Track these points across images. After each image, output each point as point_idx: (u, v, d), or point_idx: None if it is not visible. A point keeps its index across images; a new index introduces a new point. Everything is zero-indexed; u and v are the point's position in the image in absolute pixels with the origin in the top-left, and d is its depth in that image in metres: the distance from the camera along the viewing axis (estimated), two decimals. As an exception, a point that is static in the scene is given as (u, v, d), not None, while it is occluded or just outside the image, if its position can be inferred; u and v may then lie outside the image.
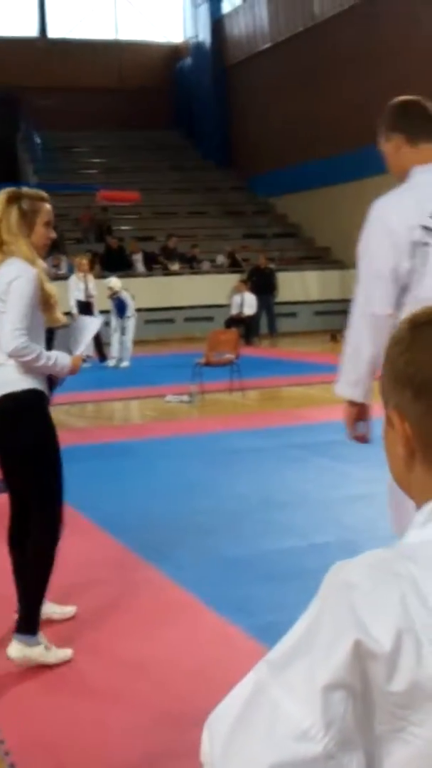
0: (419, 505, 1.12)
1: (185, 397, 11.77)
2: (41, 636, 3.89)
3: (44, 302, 3.87)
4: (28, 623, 3.87)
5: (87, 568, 5.15)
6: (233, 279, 22.89)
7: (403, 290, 3.18)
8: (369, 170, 24.10)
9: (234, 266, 24.13)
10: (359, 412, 3.42)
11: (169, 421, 10.52)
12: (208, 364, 12.06)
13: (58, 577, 4.86)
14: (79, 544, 5.65)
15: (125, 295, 16.40)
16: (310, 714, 0.97)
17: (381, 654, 0.96)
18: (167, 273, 23.76)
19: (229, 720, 1.01)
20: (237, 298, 21.44)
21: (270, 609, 4.29)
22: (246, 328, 20.29)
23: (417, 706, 0.98)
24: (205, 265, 24.53)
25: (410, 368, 1.09)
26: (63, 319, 4.05)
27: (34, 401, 3.86)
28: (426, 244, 3.14)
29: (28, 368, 3.81)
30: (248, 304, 21.25)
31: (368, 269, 3.23)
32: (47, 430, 3.88)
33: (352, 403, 3.40)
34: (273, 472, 7.48)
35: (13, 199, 3.92)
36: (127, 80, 32.37)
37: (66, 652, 3.90)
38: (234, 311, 21.39)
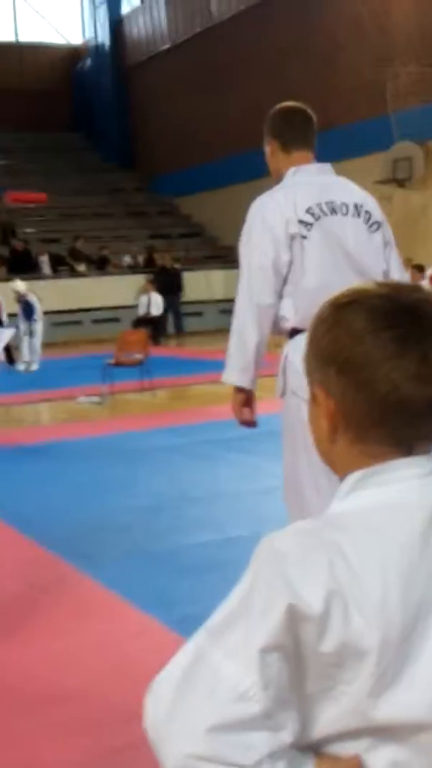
0: (342, 477, 1.18)
1: (96, 398, 11.80)
2: None
3: None
4: None
5: (1, 570, 5.18)
6: (139, 280, 22.94)
7: (283, 281, 3.40)
8: (268, 169, 24.40)
9: (149, 266, 24.06)
10: (246, 399, 3.62)
11: (81, 423, 10.55)
12: (117, 364, 12.12)
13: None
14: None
15: (32, 298, 16.33)
16: (247, 676, 1.04)
17: (312, 616, 1.04)
18: (74, 275, 23.68)
19: (171, 685, 1.08)
20: (144, 299, 21.50)
21: (189, 601, 4.39)
22: (153, 328, 20.37)
23: (346, 665, 1.06)
24: (121, 265, 24.49)
25: (333, 347, 1.14)
26: None
27: None
28: (303, 237, 3.38)
29: None
30: (155, 304, 21.33)
31: (250, 262, 3.45)
32: None
33: (239, 390, 3.59)
34: (186, 468, 7.59)
35: None
36: (27, 82, 32.14)
37: None
38: (141, 312, 21.44)
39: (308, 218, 3.42)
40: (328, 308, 1.18)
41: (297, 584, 1.05)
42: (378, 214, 3.58)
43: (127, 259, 24.85)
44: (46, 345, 17.77)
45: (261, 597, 1.07)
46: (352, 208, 3.49)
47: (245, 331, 3.47)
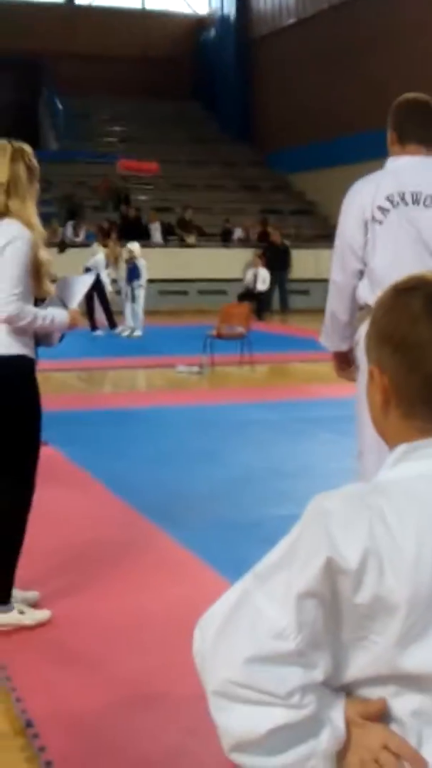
0: (392, 447, 1.29)
1: (195, 369, 11.95)
2: (15, 600, 3.86)
3: (35, 270, 3.67)
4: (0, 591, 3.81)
5: (93, 526, 5.35)
6: (248, 254, 23.00)
7: (361, 263, 3.65)
8: (385, 151, 24.11)
9: (262, 240, 24.03)
10: (342, 359, 3.95)
11: (179, 391, 10.72)
12: (219, 336, 12.23)
13: (64, 534, 5.09)
14: (84, 501, 5.88)
15: (141, 263, 16.54)
16: (285, 617, 1.17)
17: (348, 570, 1.15)
18: (184, 245, 23.87)
19: (218, 619, 1.22)
20: (251, 273, 21.56)
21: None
22: (258, 303, 20.42)
23: (378, 617, 1.17)
24: (236, 237, 24.58)
25: (390, 327, 1.25)
26: (51, 290, 3.83)
27: (23, 368, 3.72)
28: (379, 221, 3.61)
29: (21, 331, 3.67)
30: (262, 279, 21.37)
31: (339, 242, 3.74)
32: (32, 398, 3.75)
33: (335, 353, 3.98)
34: (278, 443, 7.67)
35: (19, 155, 3.70)
36: (150, 50, 32.34)
37: (44, 614, 3.87)
38: (248, 286, 21.52)
39: (387, 204, 3.61)
40: (389, 292, 1.28)
41: (338, 540, 1.17)
42: None
43: (239, 232, 24.93)
44: (152, 313, 18.03)
45: (304, 548, 1.19)
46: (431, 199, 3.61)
47: (329, 304, 3.84)
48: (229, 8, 32.15)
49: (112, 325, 16.79)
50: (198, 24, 34.35)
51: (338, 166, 26.01)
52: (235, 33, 31.74)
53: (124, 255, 16.68)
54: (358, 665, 1.20)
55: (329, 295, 3.83)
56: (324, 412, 9.10)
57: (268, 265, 21.75)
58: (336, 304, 3.78)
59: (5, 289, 3.59)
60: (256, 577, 1.22)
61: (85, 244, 19.94)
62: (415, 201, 3.61)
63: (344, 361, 3.95)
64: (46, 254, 3.74)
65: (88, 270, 16.37)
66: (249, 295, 20.94)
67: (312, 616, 1.17)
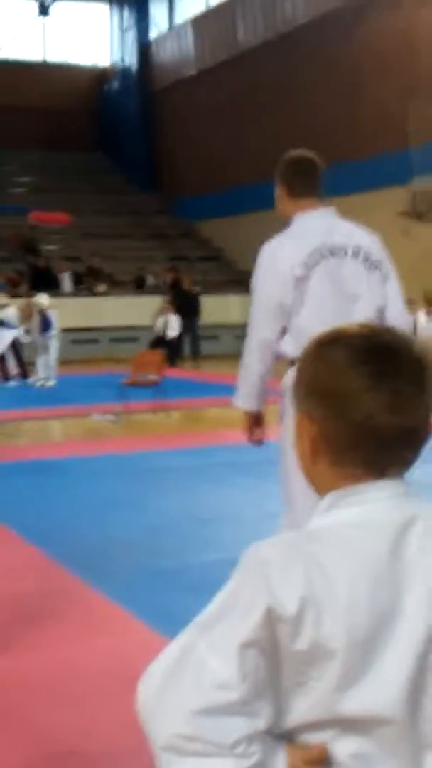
0: (322, 494, 1.33)
1: (111, 417, 11.95)
2: None
3: None
4: None
5: (13, 580, 5.29)
6: (158, 301, 23.12)
7: (288, 319, 3.78)
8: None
9: (175, 287, 24.19)
10: (253, 421, 4.05)
11: (95, 440, 10.69)
12: (133, 384, 12.26)
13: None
14: (2, 555, 5.81)
15: (52, 314, 16.52)
16: (228, 667, 1.19)
17: (287, 618, 1.19)
18: (94, 293, 23.89)
19: (162, 672, 1.23)
20: (161, 320, 21.67)
21: (193, 617, 4.52)
22: (170, 349, 20.50)
23: (316, 662, 1.21)
24: (148, 284, 24.69)
25: (316, 378, 1.30)
26: None
27: None
28: (305, 278, 3.75)
29: None
30: (172, 326, 21.49)
31: (259, 302, 3.86)
32: None
33: (247, 413, 4.06)
34: (197, 489, 7.71)
35: None
36: (54, 101, 32.51)
37: None
38: (158, 333, 21.60)
39: (311, 261, 3.77)
40: (313, 345, 1.34)
41: (276, 589, 1.20)
42: (377, 252, 3.92)
43: (151, 280, 25.07)
44: (64, 362, 17.96)
45: (244, 598, 1.22)
46: (351, 250, 3.83)
47: (250, 362, 3.92)
48: (131, 60, 32.58)
49: (24, 375, 16.70)
50: (101, 75, 34.67)
51: (242, 214, 26.46)
52: (137, 84, 32.14)
53: (42, 306, 16.63)
54: (299, 711, 1.23)
55: (251, 353, 3.90)
56: (240, 456, 9.15)
57: (179, 312, 21.88)
58: (259, 363, 3.88)
59: None
60: (198, 629, 1.24)
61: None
62: (335, 254, 3.80)
63: (256, 422, 4.07)
64: None
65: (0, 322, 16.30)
66: (160, 342, 21.03)
67: (254, 665, 1.20)
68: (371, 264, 3.86)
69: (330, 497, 1.31)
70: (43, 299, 16.61)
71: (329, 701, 1.21)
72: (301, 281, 3.74)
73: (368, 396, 1.25)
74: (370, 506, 1.28)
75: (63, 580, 5.26)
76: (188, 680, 1.21)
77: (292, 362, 3.67)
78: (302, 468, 1.37)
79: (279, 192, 4.05)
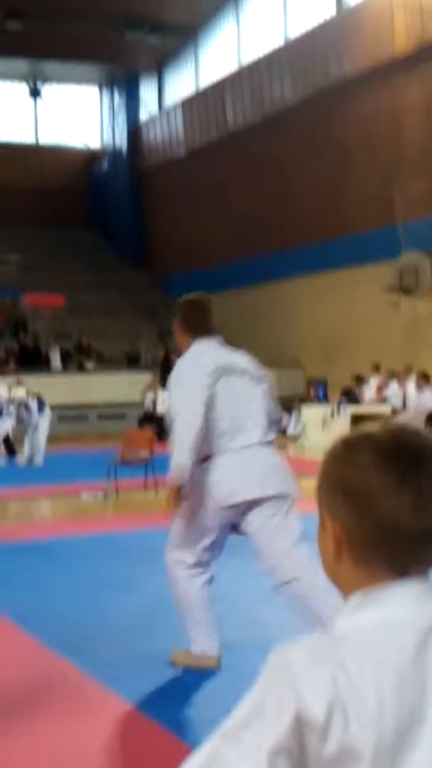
0: (346, 594, 1.32)
1: (100, 495, 11.85)
2: None
3: None
4: None
5: (1, 665, 5.18)
6: (146, 377, 23.17)
7: (209, 410, 4.66)
8: (279, 273, 24.92)
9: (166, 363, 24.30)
10: (179, 493, 4.82)
11: (85, 519, 10.57)
12: (123, 461, 12.18)
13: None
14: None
15: (31, 402, 16.51)
16: None
17: (316, 723, 1.18)
18: (82, 370, 23.94)
19: None
20: (150, 396, 21.67)
21: (188, 705, 4.41)
22: (158, 425, 20.46)
23: (343, 766, 1.19)
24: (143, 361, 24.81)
25: (341, 478, 1.32)
26: None
27: None
28: (214, 389, 4.72)
29: None
30: (161, 401, 21.47)
31: (181, 407, 4.73)
32: None
33: (181, 487, 4.78)
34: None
35: None
36: (45, 182, 32.95)
37: None
38: (147, 408, 21.59)
39: (218, 374, 4.76)
40: (339, 445, 1.36)
41: (304, 694, 1.19)
42: (257, 370, 5.00)
43: (143, 356, 25.19)
44: (52, 439, 17.87)
45: (271, 704, 1.20)
46: (242, 369, 4.89)
47: (181, 443, 4.72)
48: (121, 141, 33.15)
49: (11, 452, 16.61)
50: (91, 157, 35.24)
51: (230, 290, 26.70)
52: (127, 164, 32.66)
53: (19, 393, 16.63)
54: None
55: (191, 434, 4.62)
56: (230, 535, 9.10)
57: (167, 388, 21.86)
58: (186, 443, 4.65)
59: None
60: (224, 737, 1.22)
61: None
62: (231, 372, 4.83)
63: (180, 495, 4.78)
64: None
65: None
66: (149, 418, 21.00)
67: None
68: (257, 379, 4.91)
69: (354, 599, 1.31)
70: (18, 392, 16.62)
71: None
72: (221, 379, 4.75)
73: (392, 496, 1.27)
74: (394, 608, 1.28)
75: (55, 666, 5.15)
76: None
77: (204, 458, 4.77)
78: (326, 568, 1.37)
79: (177, 328, 5.05)
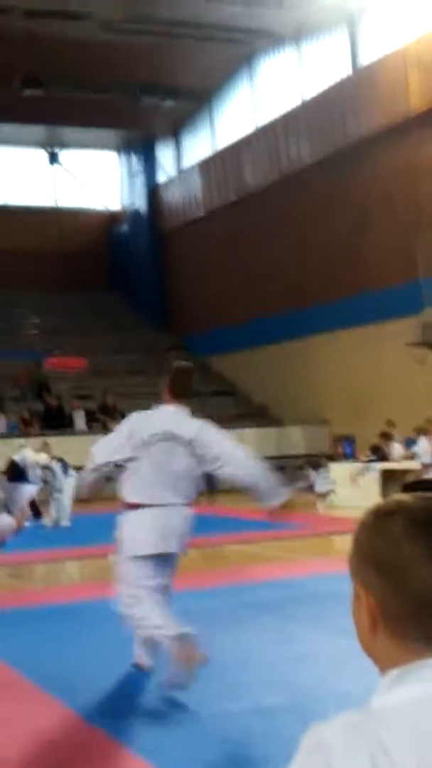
0: (382, 669, 1.28)
1: (127, 557, 11.70)
2: None
3: None
4: None
5: (33, 733, 5.07)
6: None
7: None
8: (302, 330, 24.95)
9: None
10: None
11: (112, 582, 10.43)
12: (149, 523, 12.05)
13: (2, 747, 4.80)
14: (21, 707, 5.59)
15: (54, 465, 16.50)
16: None
17: None
18: (107, 430, 23.90)
19: None
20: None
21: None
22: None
23: None
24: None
25: (373, 550, 1.29)
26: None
27: None
28: (147, 447, 5.83)
29: None
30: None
31: (115, 444, 6.05)
32: None
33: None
34: (220, 632, 7.45)
35: None
36: (65, 244, 33.35)
37: None
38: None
39: (151, 438, 5.83)
40: (369, 516, 1.33)
41: None
42: (189, 432, 5.88)
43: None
44: (78, 500, 17.78)
45: None
46: (171, 435, 5.82)
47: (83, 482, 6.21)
48: (140, 203, 33.53)
49: (37, 514, 16.53)
50: (111, 219, 35.64)
51: (253, 348, 26.76)
52: (147, 226, 32.98)
53: (43, 457, 16.62)
54: None
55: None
56: (261, 595, 8.98)
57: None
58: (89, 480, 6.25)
59: None
60: None
61: (9, 435, 19.89)
62: (169, 438, 5.77)
63: None
64: None
65: (15, 464, 16.26)
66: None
67: None
68: (185, 443, 5.82)
69: (392, 674, 1.26)
70: (41, 458, 16.60)
71: None
72: (141, 447, 5.83)
73: (426, 567, 1.24)
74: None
75: (85, 732, 5.04)
76: None
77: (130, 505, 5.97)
78: (361, 642, 1.33)
79: (165, 389, 6.11)
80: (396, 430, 19.75)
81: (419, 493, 1.34)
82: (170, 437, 5.77)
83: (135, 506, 5.88)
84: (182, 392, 6.08)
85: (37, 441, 18.19)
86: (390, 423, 20.07)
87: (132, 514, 5.90)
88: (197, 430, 5.87)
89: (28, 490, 15.48)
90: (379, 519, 1.31)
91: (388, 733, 1.16)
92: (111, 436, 6.07)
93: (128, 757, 4.65)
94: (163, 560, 5.99)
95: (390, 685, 1.25)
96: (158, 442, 5.77)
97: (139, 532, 5.82)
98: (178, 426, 5.84)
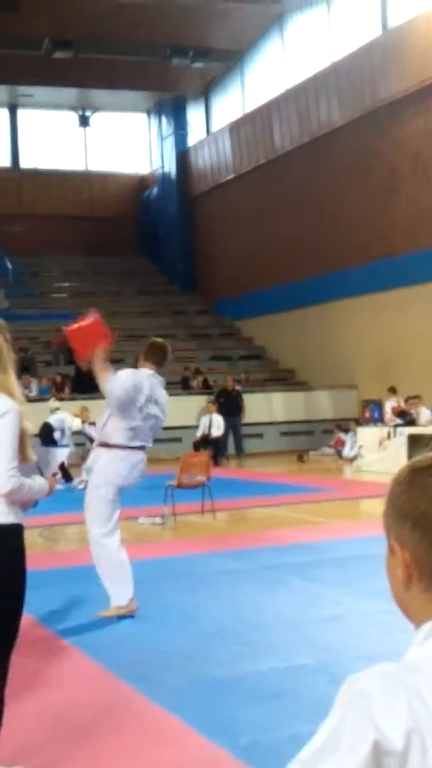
0: (416, 623, 1.33)
1: (158, 519, 11.89)
2: None
3: (21, 440, 3.71)
4: None
5: (66, 692, 5.23)
6: (201, 401, 23.21)
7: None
8: (330, 295, 24.89)
9: (205, 388, 24.53)
10: None
11: (143, 544, 10.62)
12: (179, 486, 12.23)
13: (35, 701, 4.96)
14: (57, 666, 5.75)
15: (87, 429, 16.68)
16: None
17: (394, 751, 1.18)
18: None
19: None
20: (205, 420, 21.72)
21: (253, 730, 4.41)
22: (214, 449, 20.50)
23: None
24: (194, 385, 24.90)
25: (409, 505, 1.32)
26: (33, 458, 3.85)
27: (13, 537, 3.70)
28: (139, 404, 6.96)
29: (13, 500, 3.69)
30: (216, 425, 21.53)
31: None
32: (20, 568, 3.70)
33: None
34: (248, 594, 7.61)
35: None
36: (95, 208, 33.36)
37: None
38: (202, 432, 21.62)
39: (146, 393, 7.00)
40: (406, 471, 1.36)
41: (381, 722, 1.18)
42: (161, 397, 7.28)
43: (198, 380, 25.31)
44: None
45: (349, 733, 1.20)
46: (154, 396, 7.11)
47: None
48: (170, 167, 33.42)
49: (68, 478, 16.73)
50: (141, 183, 35.58)
51: (281, 312, 26.72)
52: (176, 190, 32.89)
53: (75, 427, 16.83)
54: None
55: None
56: (288, 558, 9.10)
57: (222, 411, 21.94)
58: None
59: (5, 462, 3.61)
60: (302, 764, 1.22)
61: (39, 399, 20.09)
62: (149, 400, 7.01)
63: None
64: (28, 423, 3.75)
65: (48, 425, 16.45)
66: (204, 441, 21.05)
67: None
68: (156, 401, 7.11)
69: (426, 627, 1.30)
70: (75, 424, 16.82)
71: None
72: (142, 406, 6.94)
73: None
74: None
75: (117, 691, 5.18)
76: None
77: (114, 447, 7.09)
78: (394, 595, 1.37)
79: (141, 358, 7.36)
80: (397, 396, 19.81)
81: None
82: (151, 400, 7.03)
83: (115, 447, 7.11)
84: (157, 361, 7.35)
85: (72, 405, 18.37)
86: (392, 390, 20.09)
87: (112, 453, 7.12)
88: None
89: (60, 453, 15.61)
90: (414, 474, 1.34)
91: (423, 681, 1.21)
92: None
93: (159, 714, 4.79)
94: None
95: (424, 639, 1.29)
96: (147, 402, 7.00)
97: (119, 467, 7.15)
98: (154, 390, 7.10)
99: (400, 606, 1.37)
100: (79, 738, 4.48)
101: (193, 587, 7.98)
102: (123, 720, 4.70)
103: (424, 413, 18.56)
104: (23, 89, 31.45)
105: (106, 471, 7.09)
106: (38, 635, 6.44)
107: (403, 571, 1.32)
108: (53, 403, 17.49)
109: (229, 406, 22.47)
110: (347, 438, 21.06)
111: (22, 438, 3.70)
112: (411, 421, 18.47)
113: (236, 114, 30.16)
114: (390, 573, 1.36)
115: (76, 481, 16.71)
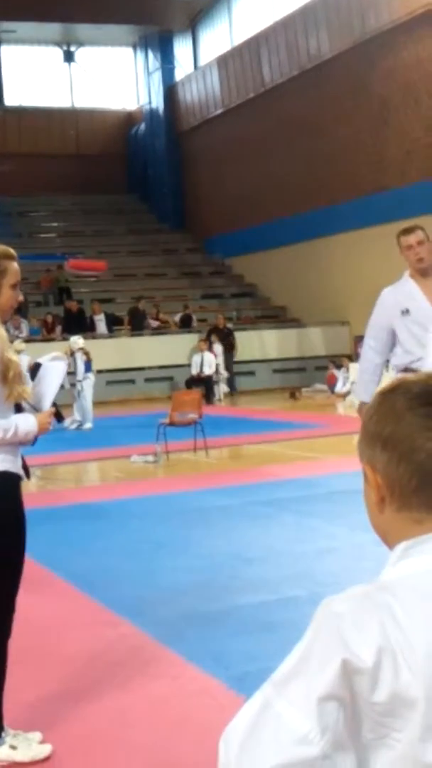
0: (391, 545, 1.32)
1: (150, 457, 11.93)
2: (7, 733, 3.61)
3: (3, 373, 3.39)
4: None
5: (61, 627, 5.27)
6: (192, 339, 23.18)
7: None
8: (321, 230, 24.72)
9: (186, 326, 24.52)
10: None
11: (136, 482, 10.67)
12: (172, 424, 12.24)
13: (32, 638, 5.00)
14: (52, 603, 5.79)
15: (78, 357, 16.58)
16: (307, 722, 1.17)
17: (365, 669, 1.17)
18: (134, 334, 23.94)
19: (241, 730, 1.22)
20: (197, 358, 21.71)
21: (246, 661, 4.46)
22: (206, 387, 20.52)
23: (397, 714, 1.18)
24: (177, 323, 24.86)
25: (378, 427, 1.32)
26: (24, 394, 3.56)
27: (4, 487, 3.47)
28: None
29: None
30: (208, 363, 21.52)
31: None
32: (13, 515, 3.51)
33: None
34: (240, 529, 7.65)
35: None
36: (82, 146, 32.95)
37: (43, 749, 3.57)
38: (194, 371, 21.63)
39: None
40: (375, 397, 1.37)
41: (351, 641, 1.18)
42: None
43: (177, 318, 25.24)
44: (100, 404, 18.00)
45: (319, 652, 1.20)
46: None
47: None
48: (158, 102, 32.94)
49: (59, 418, 16.73)
50: (128, 119, 35.09)
51: (272, 249, 26.54)
52: (164, 125, 32.47)
53: (74, 348, 16.63)
54: (383, 764, 1.20)
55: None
56: (281, 493, 9.14)
57: (213, 349, 21.94)
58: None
59: None
60: (274, 685, 1.22)
61: (30, 339, 20.02)
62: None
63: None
64: (14, 356, 3.48)
65: (38, 365, 16.37)
66: (196, 380, 21.06)
67: (333, 718, 1.18)
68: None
69: (400, 547, 1.30)
70: (80, 340, 16.75)
71: (413, 753, 1.18)
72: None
73: (428, 436, 1.28)
74: None
75: (114, 625, 5.23)
76: (268, 737, 1.19)
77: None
78: (371, 521, 1.37)
79: None
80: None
81: (420, 372, 1.40)
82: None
83: None
84: None
85: (64, 345, 18.29)
86: (357, 339, 20.10)
87: None
88: None
89: (56, 368, 15.56)
90: (383, 396, 1.35)
91: (396, 600, 1.21)
92: None
93: (154, 647, 4.83)
94: None
95: (398, 559, 1.29)
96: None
97: None
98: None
99: (377, 532, 1.37)
100: (73, 672, 4.52)
101: (186, 523, 8.02)
102: (118, 654, 4.75)
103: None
104: (6, 25, 30.83)
105: None
106: (32, 572, 6.47)
107: (375, 494, 1.33)
108: (19, 344, 17.42)
109: (221, 343, 22.48)
110: (340, 374, 21.08)
111: (6, 372, 3.40)
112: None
113: (224, 47, 29.66)
114: (366, 500, 1.36)
115: (67, 421, 16.75)
